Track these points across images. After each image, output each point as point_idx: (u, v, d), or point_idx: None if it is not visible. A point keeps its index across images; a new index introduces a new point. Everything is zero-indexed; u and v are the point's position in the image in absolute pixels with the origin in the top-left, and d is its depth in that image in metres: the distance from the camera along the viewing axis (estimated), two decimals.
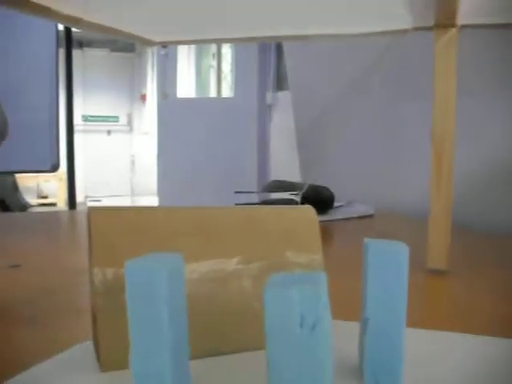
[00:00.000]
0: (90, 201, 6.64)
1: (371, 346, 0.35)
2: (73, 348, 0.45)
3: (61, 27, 2.03)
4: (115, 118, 7.42)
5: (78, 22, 0.64)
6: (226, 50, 4.66)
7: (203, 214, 0.44)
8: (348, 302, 0.47)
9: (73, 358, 0.43)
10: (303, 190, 1.32)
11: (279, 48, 3.18)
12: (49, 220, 1.42)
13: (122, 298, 0.37)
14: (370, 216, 1.40)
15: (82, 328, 0.52)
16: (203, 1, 0.78)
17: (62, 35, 2.05)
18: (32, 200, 7.29)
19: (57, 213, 1.91)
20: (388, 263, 0.34)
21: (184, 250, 0.34)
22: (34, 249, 0.94)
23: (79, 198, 2.08)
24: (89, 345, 0.44)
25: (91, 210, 0.40)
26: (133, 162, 7.19)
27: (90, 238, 0.41)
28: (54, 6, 0.57)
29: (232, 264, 0.41)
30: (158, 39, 0.88)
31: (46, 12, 0.58)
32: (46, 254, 0.91)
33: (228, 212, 0.45)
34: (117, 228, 0.40)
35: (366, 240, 0.36)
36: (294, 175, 2.00)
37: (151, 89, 7.03)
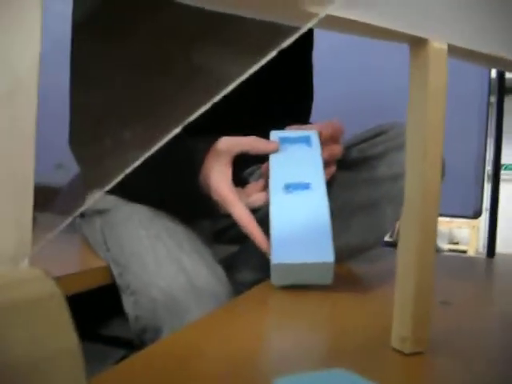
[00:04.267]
0: None
1: None
2: None
3: (493, 74, 2.04)
4: None
5: None
6: None
7: None
8: None
9: None
10: None
11: None
12: (470, 264, 1.43)
13: None
14: None
15: None
16: None
17: (494, 82, 2.05)
18: (443, 245, 7.40)
19: (477, 258, 1.91)
20: None
21: None
22: (461, 289, 0.96)
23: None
24: None
25: None
26: None
27: None
28: None
29: None
30: None
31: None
32: (473, 295, 0.93)
33: None
34: None
35: None
36: None
37: None
